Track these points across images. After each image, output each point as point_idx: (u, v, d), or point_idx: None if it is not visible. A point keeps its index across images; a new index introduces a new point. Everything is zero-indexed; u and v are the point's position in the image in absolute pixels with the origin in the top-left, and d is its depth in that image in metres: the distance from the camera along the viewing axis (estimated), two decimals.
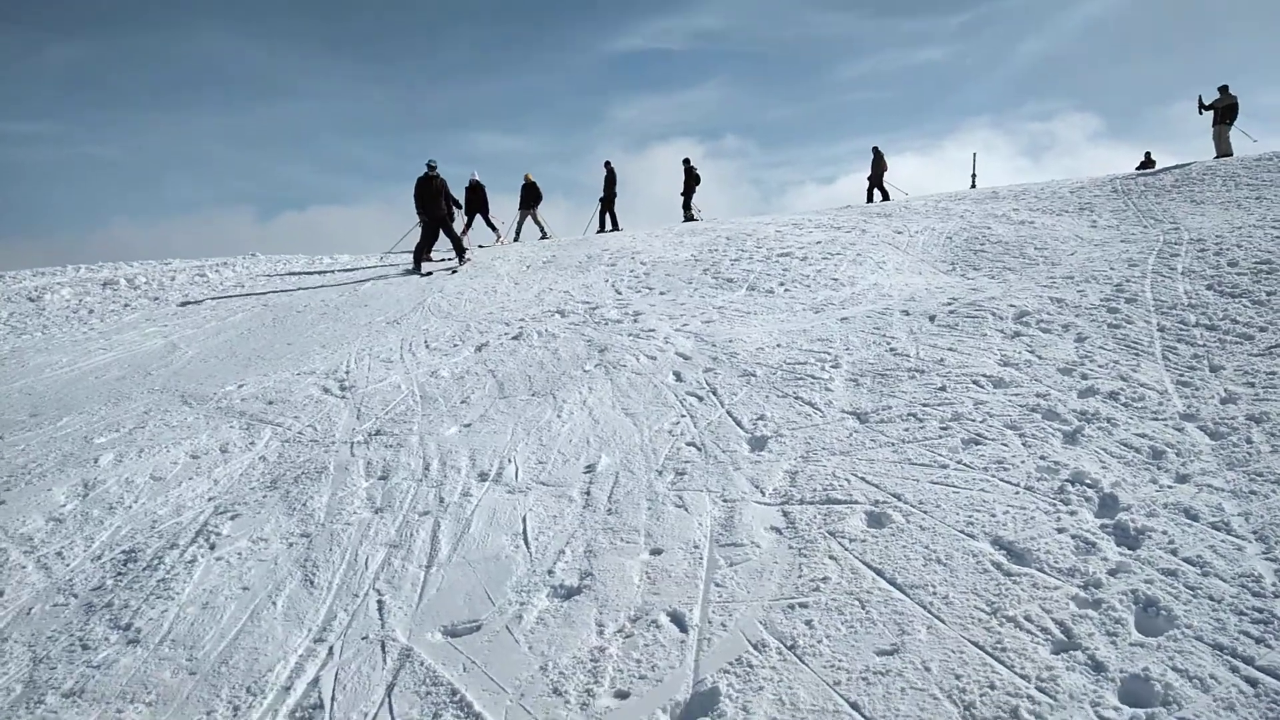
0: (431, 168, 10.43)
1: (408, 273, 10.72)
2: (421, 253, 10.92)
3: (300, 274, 12.04)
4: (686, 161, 16.78)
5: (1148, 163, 17.24)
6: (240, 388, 5.45)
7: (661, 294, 7.69)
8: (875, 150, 17.98)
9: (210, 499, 3.61)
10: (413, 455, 3.90)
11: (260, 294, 10.32)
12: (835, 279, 7.58)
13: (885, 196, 17.61)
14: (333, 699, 2.16)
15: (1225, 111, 12.99)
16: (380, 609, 2.58)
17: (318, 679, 2.26)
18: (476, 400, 4.75)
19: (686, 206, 16.60)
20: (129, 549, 3.15)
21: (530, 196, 15.07)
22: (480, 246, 13.58)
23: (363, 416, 4.65)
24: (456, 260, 10.98)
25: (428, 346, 6.29)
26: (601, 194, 16.50)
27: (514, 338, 6.21)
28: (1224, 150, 13.01)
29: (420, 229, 11.20)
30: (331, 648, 2.40)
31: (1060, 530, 2.55)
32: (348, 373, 5.66)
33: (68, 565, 3.08)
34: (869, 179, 17.99)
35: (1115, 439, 3.23)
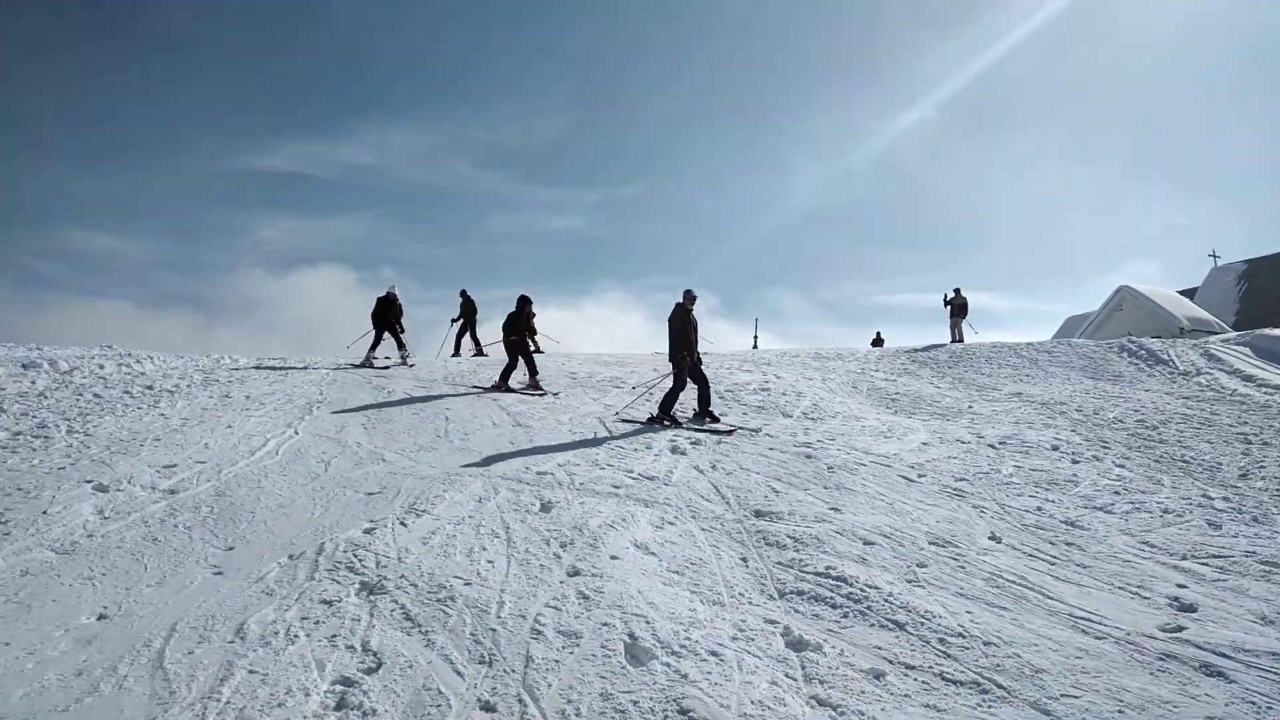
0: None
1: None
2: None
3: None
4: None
5: (879, 340, 22.89)
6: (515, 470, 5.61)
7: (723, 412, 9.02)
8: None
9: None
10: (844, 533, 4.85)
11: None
12: (839, 413, 9.67)
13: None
14: None
15: (959, 308, 18.36)
16: None
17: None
18: (783, 490, 5.71)
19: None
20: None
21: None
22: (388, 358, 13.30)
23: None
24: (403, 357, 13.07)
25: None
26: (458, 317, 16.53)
27: (675, 451, 7.09)
28: (957, 338, 18.20)
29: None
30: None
31: None
32: (559, 466, 6.19)
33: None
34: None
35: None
